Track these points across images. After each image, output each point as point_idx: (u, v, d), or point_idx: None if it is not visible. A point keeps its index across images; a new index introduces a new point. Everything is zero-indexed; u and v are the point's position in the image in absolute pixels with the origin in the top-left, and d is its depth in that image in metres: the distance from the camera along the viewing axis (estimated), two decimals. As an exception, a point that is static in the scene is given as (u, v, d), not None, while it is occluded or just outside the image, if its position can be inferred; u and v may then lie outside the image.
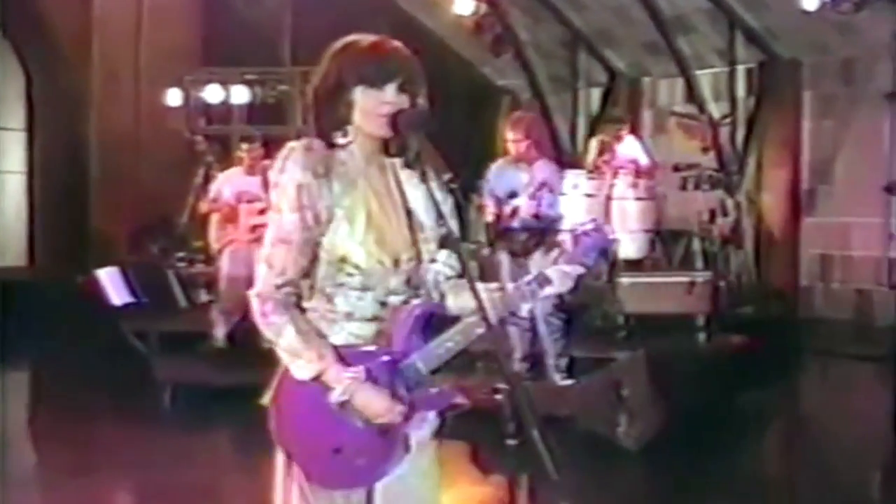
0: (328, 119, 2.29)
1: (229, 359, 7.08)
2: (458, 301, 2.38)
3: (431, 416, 2.39)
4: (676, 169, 9.19)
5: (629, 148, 8.45)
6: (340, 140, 2.30)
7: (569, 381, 6.61)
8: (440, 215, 2.29)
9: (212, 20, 11.22)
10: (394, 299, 2.32)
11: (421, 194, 2.33)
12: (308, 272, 2.28)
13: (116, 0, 11.14)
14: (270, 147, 7.12)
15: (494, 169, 6.80)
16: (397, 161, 2.33)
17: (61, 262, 10.41)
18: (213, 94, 10.68)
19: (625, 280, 7.89)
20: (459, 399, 2.37)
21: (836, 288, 9.90)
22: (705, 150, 9.43)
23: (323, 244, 2.27)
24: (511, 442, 2.61)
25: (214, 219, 8.08)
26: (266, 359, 2.35)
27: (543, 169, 6.69)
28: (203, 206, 8.26)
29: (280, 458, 2.31)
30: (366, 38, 2.33)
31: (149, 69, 11.13)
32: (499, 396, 5.94)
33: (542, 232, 6.63)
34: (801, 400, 8.29)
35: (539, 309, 6.21)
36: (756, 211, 10.16)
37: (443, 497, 2.44)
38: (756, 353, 7.72)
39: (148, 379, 7.26)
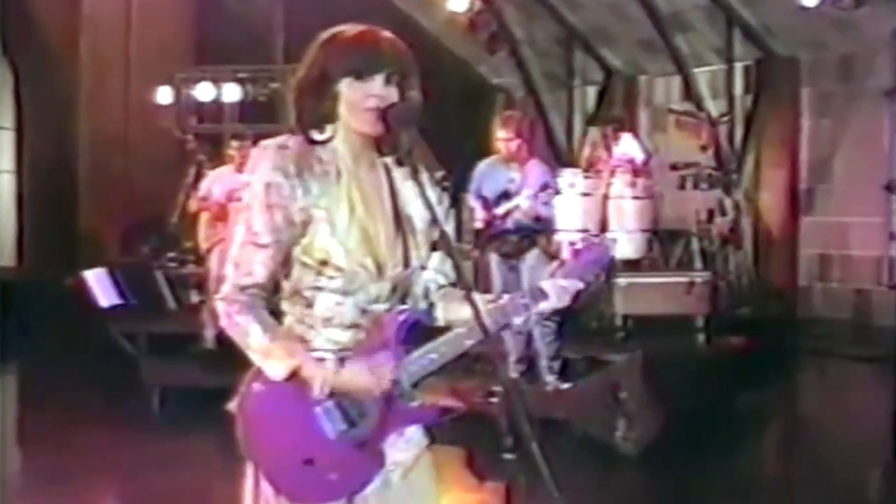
0: (312, 113, 2.19)
1: (219, 361, 6.94)
2: (448, 311, 2.29)
3: (417, 436, 2.27)
4: (674, 168, 9.16)
5: (626, 146, 8.38)
6: (318, 136, 2.20)
7: (562, 384, 6.53)
8: (433, 216, 2.18)
9: (203, 17, 11.22)
10: (376, 307, 2.21)
11: (416, 196, 2.22)
12: (284, 275, 2.19)
13: (106, -3, 11.11)
14: (262, 145, 7.04)
15: (483, 168, 6.68)
16: (391, 160, 2.22)
17: (51, 262, 10.32)
18: (204, 92, 10.69)
19: (622, 280, 7.83)
20: (453, 404, 2.26)
21: (835, 288, 9.89)
22: (704, 148, 9.39)
23: (302, 246, 2.17)
24: (508, 456, 2.49)
25: (204, 218, 8.02)
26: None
27: (535, 169, 6.58)
28: (192, 205, 8.21)
29: (249, 470, 2.20)
30: (353, 28, 2.22)
31: (139, 67, 11.11)
32: (494, 400, 5.89)
33: (534, 233, 6.53)
34: (800, 401, 8.28)
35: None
36: (754, 210, 10.16)
37: None
38: (755, 354, 7.72)
39: (136, 381, 7.21)
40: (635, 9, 10.55)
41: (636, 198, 8.08)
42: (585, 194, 7.74)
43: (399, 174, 2.24)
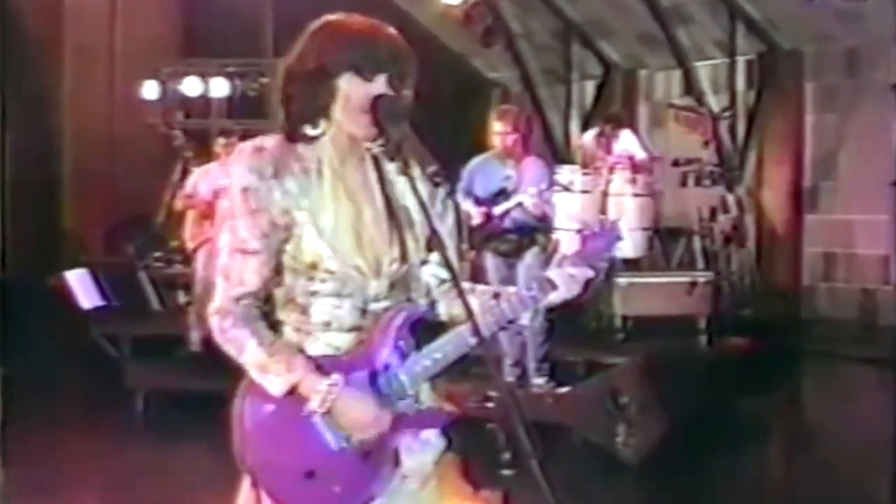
0: (304, 107, 2.09)
1: (206, 364, 6.86)
2: (450, 308, 2.20)
3: (434, 438, 2.16)
4: (676, 164, 9.13)
5: (626, 142, 8.34)
6: (310, 132, 2.10)
7: (549, 387, 6.43)
8: (425, 213, 2.10)
9: (190, 9, 11.16)
10: (376, 306, 2.12)
11: (410, 189, 2.13)
12: (277, 283, 2.11)
13: (90, -14, 11.03)
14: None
15: (475, 164, 6.54)
16: (379, 151, 2.13)
17: (34, 261, 10.23)
18: (191, 86, 10.65)
19: (622, 280, 7.83)
20: (451, 410, 2.17)
21: (840, 288, 9.86)
22: (706, 143, 9.35)
23: (288, 251, 2.09)
24: (507, 472, 2.39)
25: (190, 216, 7.96)
26: (245, 365, 2.16)
27: (533, 166, 6.47)
28: (178, 203, 8.15)
29: (246, 483, 2.12)
30: (357, 19, 2.12)
31: (124, 61, 11.03)
32: (490, 405, 5.81)
33: (534, 231, 6.43)
34: (804, 405, 8.26)
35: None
36: (757, 208, 10.13)
37: None
38: (758, 356, 7.72)
39: (119, 386, 7.11)
40: (635, 1, 10.51)
41: (636, 195, 8.06)
42: (584, 191, 7.70)
43: (390, 168, 2.15)
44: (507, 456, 2.11)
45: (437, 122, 2.56)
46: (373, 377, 2.09)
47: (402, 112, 2.07)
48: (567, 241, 7.02)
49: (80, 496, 5.38)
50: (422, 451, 2.15)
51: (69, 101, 11.02)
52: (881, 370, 8.02)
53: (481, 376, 4.74)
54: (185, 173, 9.33)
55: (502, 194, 6.41)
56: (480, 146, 6.80)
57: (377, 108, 2.06)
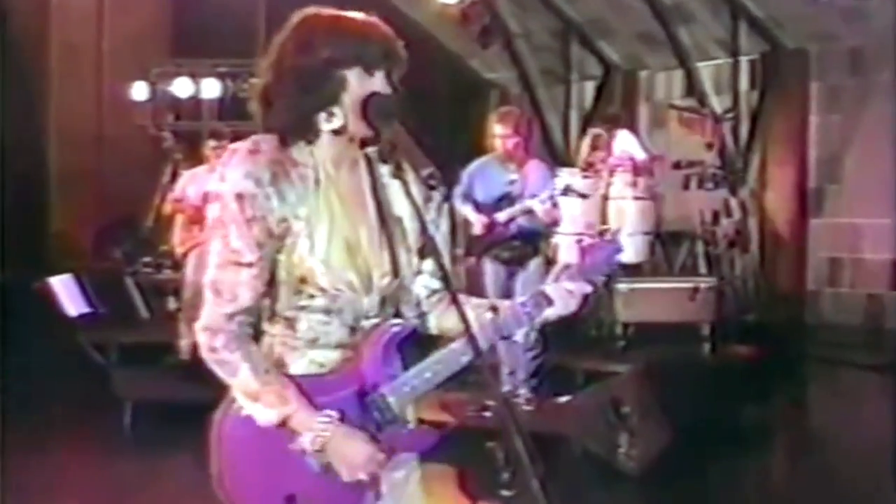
0: (310, 101, 2.00)
1: (195, 373, 6.81)
2: (442, 321, 2.14)
3: (410, 458, 2.11)
4: (678, 166, 9.11)
5: (625, 144, 8.30)
6: (326, 126, 2.01)
7: (534, 399, 6.37)
8: (419, 217, 2.04)
9: (181, 8, 11.14)
10: (366, 323, 2.06)
11: (403, 195, 2.08)
12: (270, 296, 2.03)
13: (77, -18, 10.99)
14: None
15: (475, 168, 6.47)
16: (373, 156, 2.07)
17: (24, 265, 10.18)
18: (182, 87, 10.61)
19: (623, 286, 7.78)
20: (445, 419, 2.11)
21: (845, 293, 9.83)
22: (710, 145, 9.32)
23: (280, 261, 2.01)
24: (506, 493, 2.34)
25: (179, 220, 7.92)
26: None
27: (536, 170, 6.40)
28: (167, 207, 8.12)
29: None
30: (348, 13, 2.06)
31: (112, 60, 10.98)
32: (488, 414, 5.75)
33: (539, 238, 6.36)
34: (809, 412, 8.22)
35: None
36: (760, 211, 10.11)
37: None
38: (762, 362, 7.71)
39: (106, 395, 7.04)
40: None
41: (637, 198, 8.03)
42: (583, 195, 7.65)
43: (384, 171, 2.09)
44: (506, 476, 2.06)
45: (433, 124, 2.50)
46: (359, 396, 2.03)
47: (394, 110, 2.01)
48: (565, 246, 6.97)
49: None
50: (404, 472, 2.10)
51: (56, 102, 10.97)
52: (887, 376, 8.00)
53: (478, 385, 4.71)
54: (174, 176, 9.31)
55: (506, 199, 6.33)
56: (478, 149, 6.74)
57: (369, 107, 2.00)
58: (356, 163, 2.09)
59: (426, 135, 2.05)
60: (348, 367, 2.05)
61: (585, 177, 7.90)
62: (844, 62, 9.84)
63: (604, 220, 7.77)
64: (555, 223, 6.37)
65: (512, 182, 6.33)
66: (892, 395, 7.70)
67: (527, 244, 6.36)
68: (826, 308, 9.91)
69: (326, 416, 1.98)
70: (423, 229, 2.04)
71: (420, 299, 2.16)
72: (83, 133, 10.87)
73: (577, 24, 11.55)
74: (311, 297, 2.02)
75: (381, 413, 2.04)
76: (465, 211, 6.38)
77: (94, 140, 10.88)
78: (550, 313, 2.11)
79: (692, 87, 10.60)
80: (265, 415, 1.98)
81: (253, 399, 1.98)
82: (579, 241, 6.66)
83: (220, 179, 2.00)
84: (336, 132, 2.03)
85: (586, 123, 11.23)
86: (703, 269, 9.05)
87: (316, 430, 1.97)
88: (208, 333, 1.99)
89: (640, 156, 8.36)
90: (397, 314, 2.11)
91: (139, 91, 10.67)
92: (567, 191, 7.05)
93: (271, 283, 2.02)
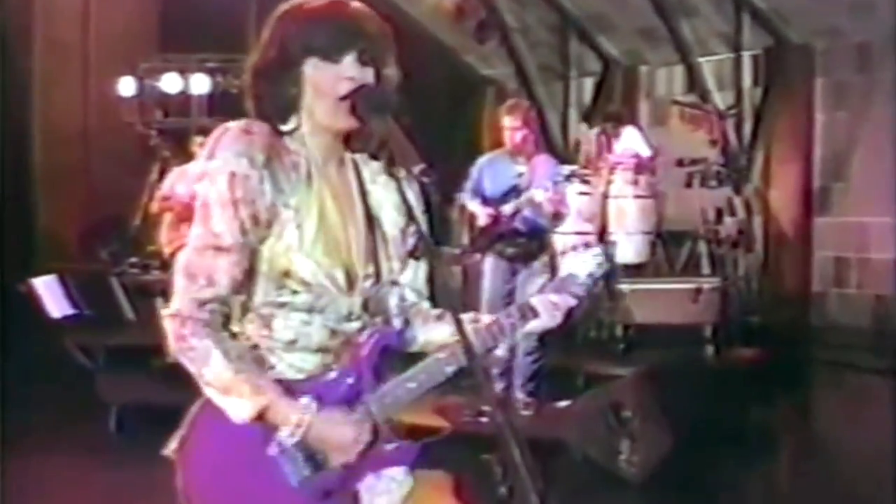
0: (271, 102, 1.97)
1: (183, 376, 6.79)
2: (424, 332, 2.10)
3: (400, 476, 2.06)
4: (680, 164, 9.10)
5: (629, 140, 8.28)
6: (283, 127, 1.98)
7: (531, 404, 6.34)
8: (412, 217, 2.00)
9: (169, 2, 11.09)
10: (347, 326, 2.00)
11: (388, 197, 2.03)
12: (246, 289, 1.95)
13: (61, -25, 10.95)
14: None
15: (484, 162, 6.48)
16: (360, 157, 2.03)
17: (9, 265, 10.15)
18: (170, 83, 10.52)
19: (623, 287, 7.75)
20: (439, 424, 2.07)
21: (852, 294, 9.84)
22: (713, 143, 9.31)
23: (262, 252, 1.94)
24: (504, 509, 2.30)
25: (167, 219, 7.84)
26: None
27: (545, 164, 6.37)
28: (154, 205, 8.04)
29: None
30: (317, 0, 2.00)
31: (99, 55, 10.92)
32: (484, 419, 5.71)
33: (544, 233, 6.33)
34: (815, 416, 8.23)
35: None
36: (765, 210, 10.12)
37: None
38: (766, 365, 7.68)
39: (92, 399, 7.03)
40: (635, -7, 10.51)
41: (638, 197, 8.03)
42: (583, 193, 7.64)
43: (369, 171, 2.04)
44: (503, 490, 2.01)
45: (429, 121, 2.47)
46: (342, 406, 1.97)
47: (386, 102, 1.95)
48: (563, 245, 6.95)
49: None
50: (387, 490, 2.05)
51: (40, 98, 10.90)
52: (895, 379, 7.98)
53: (473, 388, 4.68)
54: (162, 174, 9.27)
55: (513, 192, 6.30)
56: (475, 145, 6.73)
57: (357, 98, 1.94)
58: (343, 162, 2.04)
59: (422, 131, 1.99)
60: (329, 374, 1.99)
61: (586, 175, 7.90)
62: (851, 58, 9.84)
63: (604, 220, 7.76)
64: (557, 215, 6.31)
65: (520, 175, 6.30)
66: (899, 398, 7.71)
67: (531, 240, 6.32)
68: (832, 309, 9.93)
69: (303, 405, 1.92)
70: (417, 228, 1.99)
71: (403, 308, 2.12)
72: (69, 130, 10.81)
73: (576, 18, 11.56)
74: (294, 292, 1.96)
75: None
76: (473, 206, 6.37)
77: (80, 137, 10.83)
78: (535, 325, 2.09)
79: (694, 83, 10.62)
80: (240, 409, 1.89)
81: (226, 391, 1.90)
82: (563, 253, 6.62)
83: (209, 157, 1.93)
84: (315, 127, 1.99)
85: (586, 120, 11.24)
86: (705, 269, 9.07)
87: (293, 422, 1.90)
88: (178, 321, 1.92)
89: (646, 152, 8.35)
90: (383, 322, 2.07)
91: (126, 86, 10.61)
92: (572, 176, 7.03)
93: (249, 276, 1.95)
